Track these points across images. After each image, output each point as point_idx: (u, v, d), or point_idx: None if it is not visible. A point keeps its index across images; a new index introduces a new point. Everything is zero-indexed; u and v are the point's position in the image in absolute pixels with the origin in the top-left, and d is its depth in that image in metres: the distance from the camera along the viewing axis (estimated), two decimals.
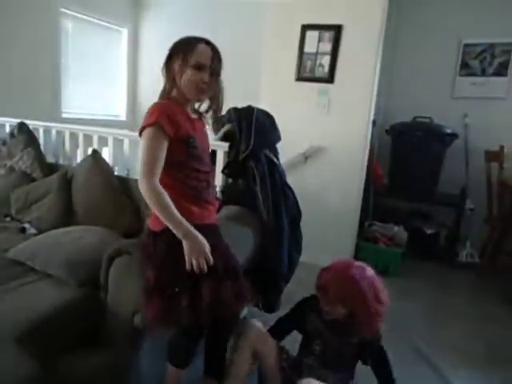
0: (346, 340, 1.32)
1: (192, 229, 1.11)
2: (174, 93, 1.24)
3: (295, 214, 1.94)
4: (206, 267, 1.10)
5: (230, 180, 1.97)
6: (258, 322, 1.37)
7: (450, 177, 3.34)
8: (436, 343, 2.05)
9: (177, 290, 1.11)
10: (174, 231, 1.11)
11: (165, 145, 1.13)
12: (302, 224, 2.07)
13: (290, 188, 1.95)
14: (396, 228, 2.99)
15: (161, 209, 1.10)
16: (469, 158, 3.29)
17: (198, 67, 1.20)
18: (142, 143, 1.15)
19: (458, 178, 3.32)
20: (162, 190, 1.11)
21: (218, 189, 1.95)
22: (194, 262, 1.09)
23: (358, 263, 1.32)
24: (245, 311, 2.08)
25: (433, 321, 2.30)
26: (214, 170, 1.63)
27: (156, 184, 1.10)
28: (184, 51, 1.20)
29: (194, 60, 1.19)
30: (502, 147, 2.93)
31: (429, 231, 3.27)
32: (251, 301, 1.38)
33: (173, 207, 1.11)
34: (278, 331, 1.44)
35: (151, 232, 1.20)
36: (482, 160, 3.14)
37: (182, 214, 1.12)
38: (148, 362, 1.40)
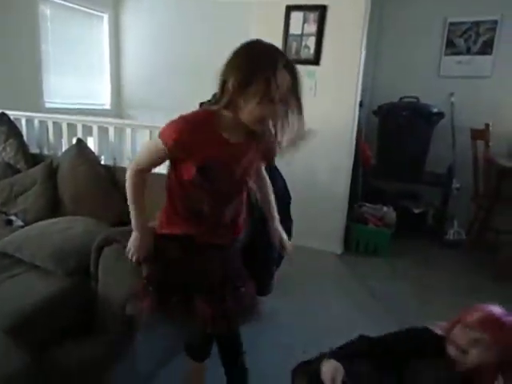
0: None
1: (140, 229, 1.16)
2: (225, 112, 1.03)
3: (285, 197, 1.94)
4: (134, 260, 1.16)
5: None
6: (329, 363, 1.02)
7: (437, 156, 3.37)
8: (425, 318, 2.09)
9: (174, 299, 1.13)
10: (132, 222, 1.17)
11: (164, 157, 1.08)
12: (291, 207, 2.08)
13: (278, 171, 1.95)
14: (385, 208, 3.02)
15: (129, 199, 1.15)
16: (455, 136, 3.32)
17: (275, 101, 0.99)
18: (147, 142, 1.20)
19: (445, 157, 3.36)
20: (139, 185, 1.14)
21: None
22: (129, 254, 1.16)
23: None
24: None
25: (422, 297, 2.35)
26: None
27: (136, 179, 1.13)
28: (264, 83, 0.96)
29: (274, 93, 0.97)
30: (487, 125, 2.96)
31: (417, 211, 3.31)
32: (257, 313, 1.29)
33: (139, 203, 1.15)
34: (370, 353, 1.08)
35: (162, 234, 1.18)
36: (468, 138, 3.17)
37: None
38: (143, 348, 1.40)
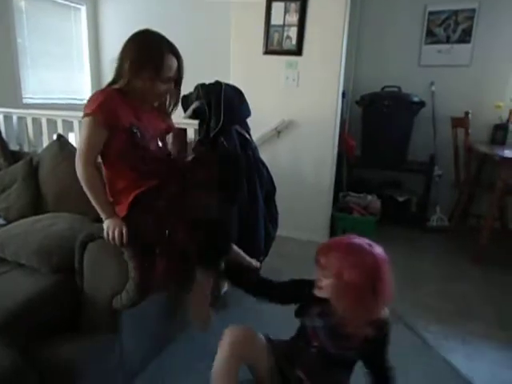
0: (345, 344, 1.09)
1: (111, 214, 1.26)
2: (126, 87, 1.29)
3: (270, 190, 1.96)
4: (118, 243, 1.22)
5: None
6: (239, 327, 1.17)
7: (419, 144, 3.43)
8: (409, 303, 2.15)
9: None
10: (99, 212, 1.26)
11: (102, 134, 1.23)
12: (277, 198, 2.09)
13: (263, 164, 1.95)
14: (369, 197, 3.06)
15: (90, 191, 1.24)
16: (436, 125, 3.38)
17: (166, 80, 1.31)
18: (81, 130, 1.27)
19: (427, 145, 3.41)
20: (95, 175, 1.25)
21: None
22: (110, 238, 1.23)
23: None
24: (225, 288, 2.11)
25: (407, 283, 2.40)
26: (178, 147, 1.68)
27: (90, 169, 1.24)
28: (155, 64, 1.26)
29: (163, 74, 1.29)
30: (466, 113, 3.01)
31: (400, 199, 3.37)
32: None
33: (101, 191, 1.26)
34: (271, 288, 1.27)
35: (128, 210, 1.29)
36: (449, 126, 3.23)
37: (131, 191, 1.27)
38: (130, 343, 1.40)
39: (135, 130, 1.28)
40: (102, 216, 1.25)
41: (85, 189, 1.24)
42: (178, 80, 1.40)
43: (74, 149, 2.05)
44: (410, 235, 3.23)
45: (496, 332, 1.92)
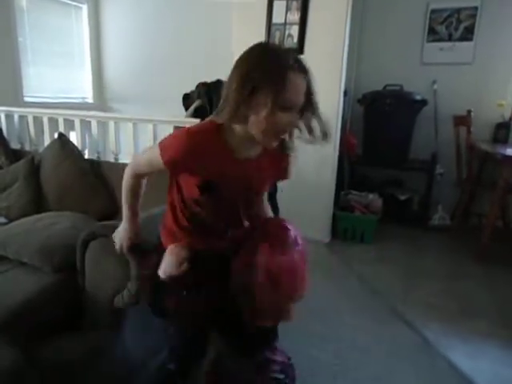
0: None
1: (129, 223, 1.15)
2: (229, 121, 0.91)
3: (271, 188, 1.95)
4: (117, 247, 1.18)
5: None
6: None
7: (421, 143, 3.42)
8: (411, 302, 2.15)
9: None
10: (123, 211, 1.16)
11: (164, 170, 0.99)
12: (278, 197, 2.09)
13: None
14: (371, 196, 3.05)
15: (124, 195, 1.13)
16: (438, 123, 3.37)
17: (289, 108, 0.89)
18: (150, 149, 1.04)
19: (429, 143, 3.40)
20: (136, 186, 1.11)
21: None
22: (113, 237, 1.20)
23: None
24: None
25: (408, 282, 2.40)
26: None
27: (133, 181, 1.10)
28: (274, 87, 0.85)
29: (286, 100, 0.87)
30: (469, 111, 3.00)
31: (402, 197, 3.36)
32: None
33: (132, 200, 1.13)
34: None
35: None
36: (451, 125, 3.22)
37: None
38: (132, 340, 1.40)
39: (207, 191, 0.96)
40: (123, 218, 1.17)
41: (122, 193, 1.14)
42: (307, 104, 0.93)
43: (75, 148, 2.06)
44: (412, 234, 3.22)
45: (498, 330, 1.92)
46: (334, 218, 3.01)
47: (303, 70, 0.91)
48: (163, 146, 0.95)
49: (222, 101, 0.91)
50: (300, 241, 1.03)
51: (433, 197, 3.38)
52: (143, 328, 1.44)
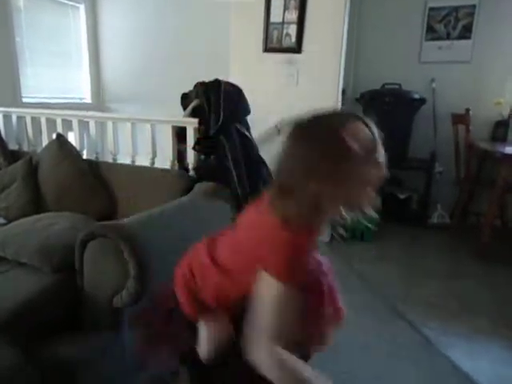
0: None
1: None
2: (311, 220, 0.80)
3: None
4: None
5: (203, 157, 1.95)
6: None
7: (420, 142, 3.42)
8: (411, 301, 2.15)
9: None
10: None
11: (298, 304, 0.80)
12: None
13: (264, 162, 1.95)
14: None
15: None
16: (437, 122, 3.37)
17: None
18: (266, 295, 0.79)
19: (427, 142, 3.40)
20: (287, 357, 0.79)
21: (190, 166, 1.93)
22: None
23: None
24: None
25: (408, 280, 2.40)
26: None
27: (278, 352, 0.78)
28: (368, 164, 0.76)
29: (376, 177, 0.78)
30: (467, 110, 3.00)
31: (401, 196, 3.36)
32: None
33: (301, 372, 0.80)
34: None
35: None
36: (450, 123, 3.22)
37: None
38: (131, 342, 1.40)
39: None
40: None
41: (276, 380, 0.79)
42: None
43: (74, 148, 2.05)
44: (412, 232, 3.22)
45: (499, 329, 1.91)
46: None
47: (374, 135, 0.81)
48: (287, 272, 0.77)
49: (281, 200, 0.78)
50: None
51: (432, 195, 3.38)
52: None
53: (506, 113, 3.17)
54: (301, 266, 0.80)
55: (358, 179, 0.76)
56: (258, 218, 0.87)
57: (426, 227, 3.30)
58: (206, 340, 0.90)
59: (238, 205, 1.80)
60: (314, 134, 0.77)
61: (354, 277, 2.42)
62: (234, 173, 1.77)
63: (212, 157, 1.88)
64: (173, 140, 1.92)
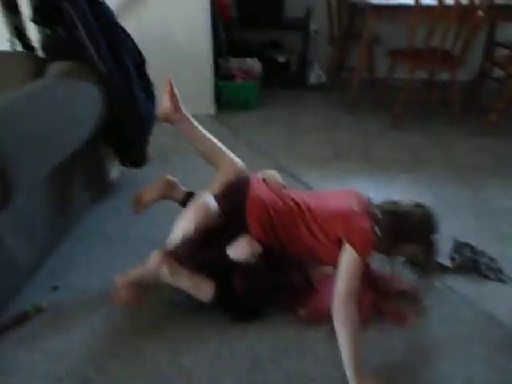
0: None
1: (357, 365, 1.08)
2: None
3: (137, 59, 1.77)
4: None
5: (48, 31, 1.64)
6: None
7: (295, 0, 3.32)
8: (294, 156, 2.35)
9: None
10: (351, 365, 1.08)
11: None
12: (153, 75, 1.93)
13: (123, 29, 1.72)
14: (249, 60, 3.00)
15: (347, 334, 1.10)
16: None
17: None
18: (350, 265, 1.14)
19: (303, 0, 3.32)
20: (354, 313, 1.11)
21: (35, 44, 1.63)
22: None
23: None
24: (115, 174, 2.04)
25: (290, 139, 2.58)
26: None
27: (353, 302, 1.12)
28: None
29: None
30: None
31: (281, 59, 3.38)
32: None
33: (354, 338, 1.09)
34: None
35: None
36: None
37: None
38: (16, 243, 1.33)
39: None
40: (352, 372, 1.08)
41: (347, 335, 1.10)
42: None
43: None
44: (293, 94, 3.34)
45: (364, 165, 2.27)
46: (217, 88, 2.94)
47: None
48: (363, 249, 1.15)
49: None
50: None
51: (310, 55, 3.45)
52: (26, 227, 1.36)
53: None
54: (372, 246, 1.17)
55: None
56: (352, 213, 1.22)
57: (306, 88, 3.44)
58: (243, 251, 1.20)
59: (106, 81, 1.62)
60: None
61: (242, 145, 2.50)
62: (90, 46, 1.53)
63: (60, 29, 1.59)
64: (2, 12, 1.55)
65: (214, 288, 1.22)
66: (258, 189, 1.31)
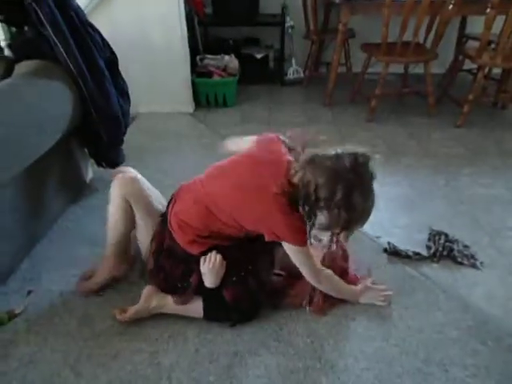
0: None
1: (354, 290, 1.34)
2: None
3: (109, 57, 1.74)
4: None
5: (14, 30, 1.60)
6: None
7: None
8: None
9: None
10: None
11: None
12: (127, 72, 1.90)
13: (93, 28, 1.69)
14: (227, 57, 2.98)
15: (336, 291, 1.31)
16: None
17: None
18: (296, 256, 1.18)
19: None
20: (328, 273, 1.26)
21: (2, 44, 1.59)
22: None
23: None
24: (90, 174, 2.01)
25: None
26: None
27: (326, 273, 1.25)
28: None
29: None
30: None
31: (258, 55, 3.37)
32: None
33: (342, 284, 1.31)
34: None
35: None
36: None
37: None
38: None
39: None
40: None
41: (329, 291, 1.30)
42: None
43: None
44: (271, 91, 3.34)
45: None
46: (195, 86, 2.91)
47: None
48: (297, 241, 1.13)
49: None
50: None
51: (287, 51, 3.45)
52: None
53: None
54: (303, 232, 1.11)
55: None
56: (265, 183, 1.12)
57: (284, 84, 3.45)
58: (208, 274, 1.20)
59: (76, 82, 1.59)
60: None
61: (219, 141, 2.48)
62: (58, 44, 1.50)
63: (26, 28, 1.55)
64: None
65: (201, 305, 1.24)
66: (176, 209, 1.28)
